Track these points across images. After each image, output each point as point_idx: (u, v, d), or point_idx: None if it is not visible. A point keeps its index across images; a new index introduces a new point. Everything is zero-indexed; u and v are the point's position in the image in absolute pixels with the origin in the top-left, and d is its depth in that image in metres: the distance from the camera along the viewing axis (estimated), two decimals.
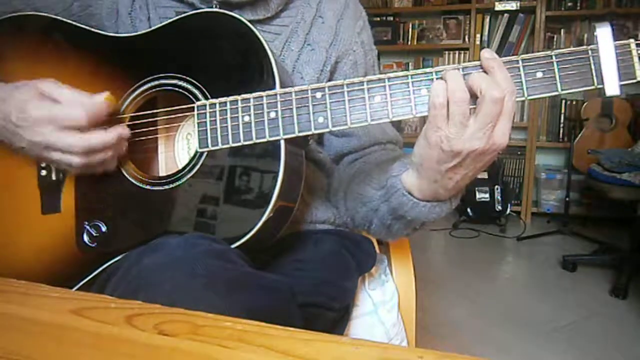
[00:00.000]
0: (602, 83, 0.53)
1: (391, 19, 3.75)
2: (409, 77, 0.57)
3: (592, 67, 0.54)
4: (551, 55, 0.54)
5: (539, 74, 0.55)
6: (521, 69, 0.55)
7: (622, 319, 2.10)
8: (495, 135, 0.54)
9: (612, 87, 0.53)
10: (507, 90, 0.53)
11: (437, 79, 0.56)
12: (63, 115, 0.60)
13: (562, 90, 0.55)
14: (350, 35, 0.82)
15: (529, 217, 3.47)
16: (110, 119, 0.65)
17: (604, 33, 0.53)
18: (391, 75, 0.57)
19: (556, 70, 0.54)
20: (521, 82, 0.55)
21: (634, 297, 2.25)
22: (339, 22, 0.81)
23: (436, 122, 0.55)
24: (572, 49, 0.55)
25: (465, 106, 0.53)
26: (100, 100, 0.62)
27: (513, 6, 3.39)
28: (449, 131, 0.54)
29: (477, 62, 0.55)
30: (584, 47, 0.54)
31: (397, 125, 0.58)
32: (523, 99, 0.55)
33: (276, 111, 0.59)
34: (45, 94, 0.61)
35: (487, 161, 0.57)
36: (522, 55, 0.55)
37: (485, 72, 0.54)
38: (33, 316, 0.41)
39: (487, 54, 0.55)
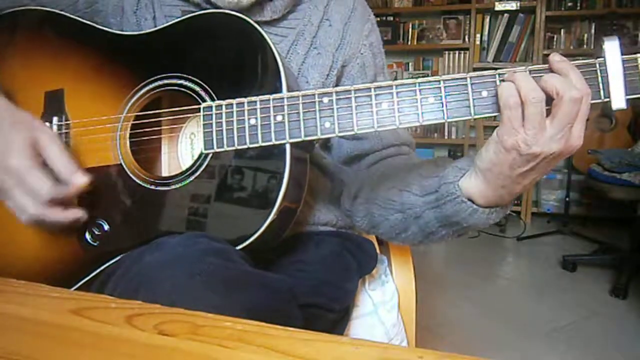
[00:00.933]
0: (609, 96, 0.53)
1: (391, 19, 3.76)
2: (417, 84, 0.56)
3: (600, 80, 0.54)
4: None
5: None
6: None
7: (622, 319, 2.10)
8: (572, 137, 0.53)
9: (619, 101, 0.53)
10: (584, 92, 0.52)
11: (500, 81, 0.55)
12: (30, 181, 0.59)
13: None
14: (358, 38, 0.81)
15: (529, 217, 3.48)
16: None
17: (611, 47, 0.53)
18: (399, 82, 0.57)
19: None
20: None
21: (634, 297, 2.25)
22: (346, 26, 0.80)
23: (512, 124, 0.53)
24: (579, 62, 0.54)
25: (541, 106, 0.52)
26: (77, 182, 0.61)
27: (513, 6, 3.39)
28: (526, 134, 0.53)
29: (545, 66, 0.55)
30: (592, 60, 0.54)
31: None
32: None
33: (283, 115, 0.59)
34: (38, 145, 0.60)
35: (556, 163, 0.56)
36: (530, 67, 0.55)
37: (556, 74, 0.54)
38: (33, 316, 0.41)
39: (558, 57, 0.54)
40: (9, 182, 0.60)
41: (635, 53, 0.54)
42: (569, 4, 3.36)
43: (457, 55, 3.63)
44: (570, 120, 0.52)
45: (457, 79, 0.56)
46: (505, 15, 3.49)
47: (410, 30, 3.75)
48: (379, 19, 3.73)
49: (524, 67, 0.55)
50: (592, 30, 3.37)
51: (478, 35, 3.56)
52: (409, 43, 3.75)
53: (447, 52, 3.65)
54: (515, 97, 0.53)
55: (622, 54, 0.53)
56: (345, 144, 0.83)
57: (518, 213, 3.46)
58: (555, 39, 3.44)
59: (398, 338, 0.86)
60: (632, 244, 2.47)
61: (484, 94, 0.55)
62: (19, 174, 0.59)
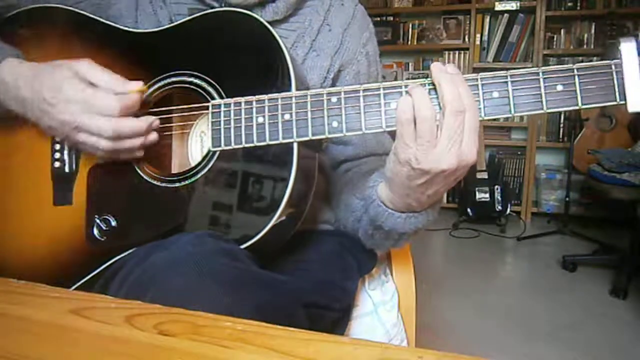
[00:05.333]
0: (625, 99, 0.52)
1: (391, 19, 3.75)
2: (426, 84, 0.56)
3: (615, 82, 0.52)
4: (573, 69, 0.53)
5: (559, 87, 0.54)
6: (541, 81, 0.54)
7: (622, 319, 2.10)
8: (463, 152, 0.54)
9: (635, 103, 0.52)
10: (467, 106, 0.53)
11: (405, 92, 0.56)
12: (96, 100, 0.60)
13: (582, 104, 0.53)
14: (356, 45, 0.82)
15: (529, 217, 3.47)
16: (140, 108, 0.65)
17: (628, 48, 0.52)
18: (408, 82, 0.57)
19: (577, 84, 0.53)
20: (540, 94, 0.54)
21: (634, 297, 2.25)
22: (346, 32, 0.81)
23: (404, 140, 0.54)
24: (594, 63, 0.53)
25: (432, 123, 0.53)
26: (134, 91, 0.62)
27: (513, 6, 3.39)
28: (417, 149, 0.54)
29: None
30: (607, 61, 0.53)
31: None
32: (542, 112, 0.54)
33: (290, 113, 0.59)
34: (81, 76, 0.61)
35: (458, 177, 0.57)
36: (543, 68, 0.54)
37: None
38: (33, 316, 0.41)
39: (451, 69, 0.55)
40: (75, 113, 0.60)
41: None
42: (569, 4, 3.36)
43: (457, 55, 3.63)
44: (455, 131, 0.53)
45: (467, 79, 0.55)
46: (505, 15, 3.49)
47: (410, 30, 3.75)
48: (379, 19, 3.74)
49: (423, 80, 0.56)
50: (592, 30, 3.37)
51: (478, 35, 3.56)
52: (409, 43, 3.75)
53: (447, 52, 3.65)
54: (409, 113, 0.53)
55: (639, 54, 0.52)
56: (331, 148, 0.84)
57: (518, 213, 3.46)
58: (555, 39, 3.43)
59: (398, 338, 0.86)
60: (632, 244, 2.46)
61: (495, 94, 0.55)
62: (80, 99, 0.60)
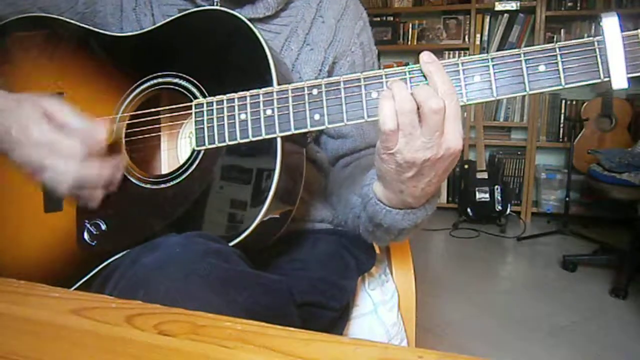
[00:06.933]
0: (609, 76, 0.51)
1: (391, 19, 3.75)
2: (407, 72, 0.56)
3: (599, 59, 0.51)
4: (555, 48, 0.52)
5: (542, 67, 0.53)
6: (523, 62, 0.53)
7: (622, 319, 2.10)
8: (447, 140, 0.53)
9: (620, 80, 0.51)
10: (446, 94, 0.52)
11: (385, 82, 0.56)
12: (61, 143, 0.59)
13: (565, 84, 0.52)
14: (350, 36, 0.81)
15: (529, 217, 3.47)
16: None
17: (610, 23, 0.51)
18: (389, 71, 0.56)
19: (560, 63, 0.52)
20: (522, 75, 0.53)
21: (634, 297, 2.25)
22: (339, 23, 0.81)
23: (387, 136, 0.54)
24: (577, 40, 0.52)
25: (412, 116, 0.52)
26: (101, 133, 0.61)
27: (513, 6, 3.39)
28: (398, 142, 0.53)
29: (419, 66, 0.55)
30: (590, 38, 0.52)
31: None
32: (525, 93, 0.54)
33: (272, 108, 0.59)
34: (48, 115, 0.60)
35: (448, 165, 0.56)
36: (524, 49, 0.53)
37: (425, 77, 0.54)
38: (33, 316, 0.41)
39: (426, 58, 0.54)
40: (40, 155, 0.60)
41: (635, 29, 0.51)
42: (569, 4, 3.36)
43: (457, 55, 3.62)
44: (437, 127, 0.52)
45: (447, 65, 0.55)
46: (505, 15, 3.49)
47: (410, 30, 3.75)
48: (379, 19, 3.73)
49: (404, 67, 0.55)
50: (592, 31, 3.37)
51: (478, 35, 3.56)
52: (409, 43, 3.75)
53: (447, 52, 3.65)
54: (392, 117, 0.53)
55: (622, 31, 0.50)
56: (330, 143, 0.84)
57: (518, 213, 3.46)
58: (555, 39, 3.43)
59: (398, 338, 0.86)
60: (632, 244, 2.47)
61: (477, 78, 0.55)
62: (47, 142, 0.59)
